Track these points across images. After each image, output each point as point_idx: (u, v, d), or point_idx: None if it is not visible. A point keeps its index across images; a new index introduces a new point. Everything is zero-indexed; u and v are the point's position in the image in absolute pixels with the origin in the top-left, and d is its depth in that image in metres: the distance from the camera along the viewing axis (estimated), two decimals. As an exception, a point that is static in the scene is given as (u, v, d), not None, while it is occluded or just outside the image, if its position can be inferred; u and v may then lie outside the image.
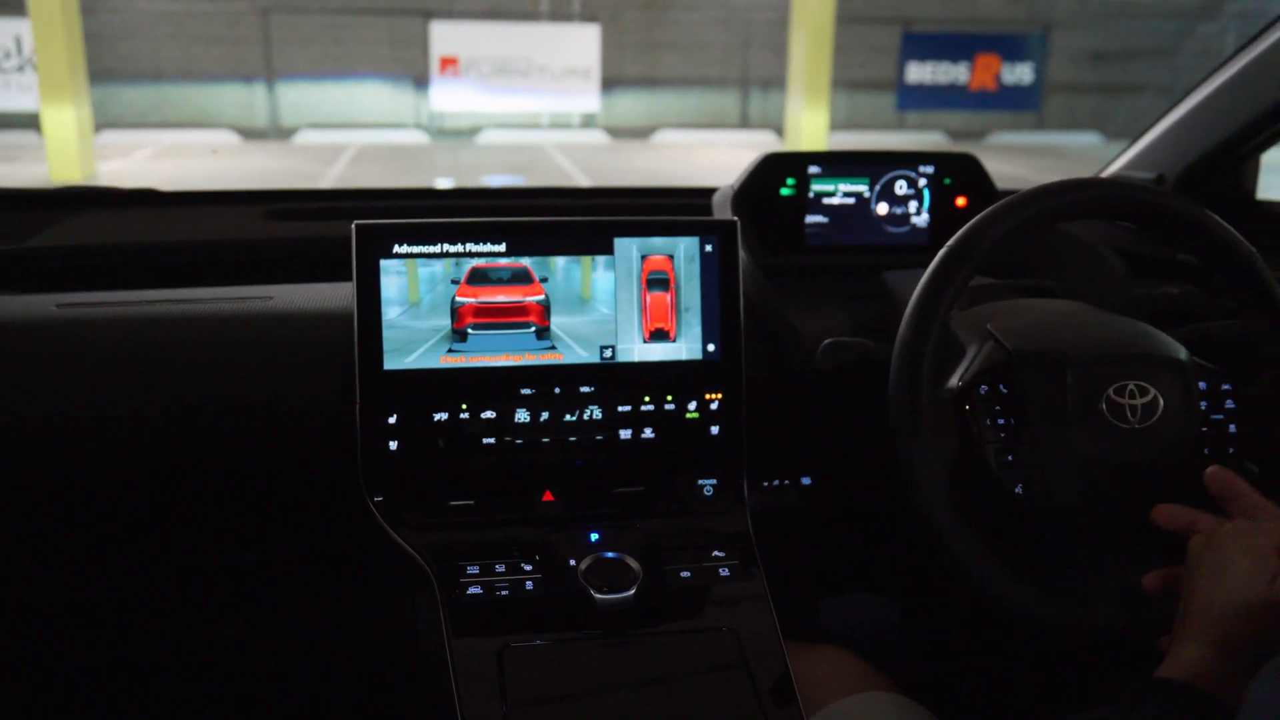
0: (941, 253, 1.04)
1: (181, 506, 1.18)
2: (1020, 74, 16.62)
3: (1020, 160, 13.72)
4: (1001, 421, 1.03)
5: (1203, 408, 1.05)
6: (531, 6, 16.03)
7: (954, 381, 1.06)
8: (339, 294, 1.24)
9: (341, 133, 15.32)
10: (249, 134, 15.47)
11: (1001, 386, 1.04)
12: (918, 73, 16.36)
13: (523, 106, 15.39)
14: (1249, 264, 1.04)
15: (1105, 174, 1.74)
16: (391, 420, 1.09)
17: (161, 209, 1.53)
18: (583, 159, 13.35)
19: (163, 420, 1.13)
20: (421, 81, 15.42)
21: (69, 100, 10.55)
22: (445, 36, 14.75)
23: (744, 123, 17.31)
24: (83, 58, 10.99)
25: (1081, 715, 0.76)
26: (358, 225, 1.09)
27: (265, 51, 15.52)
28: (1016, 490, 1.01)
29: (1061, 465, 1.00)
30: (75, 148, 10.68)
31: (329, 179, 11.36)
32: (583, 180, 11.49)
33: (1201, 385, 1.05)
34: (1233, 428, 1.06)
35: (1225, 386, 1.07)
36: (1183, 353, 1.05)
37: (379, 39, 15.77)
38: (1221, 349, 1.15)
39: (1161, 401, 1.01)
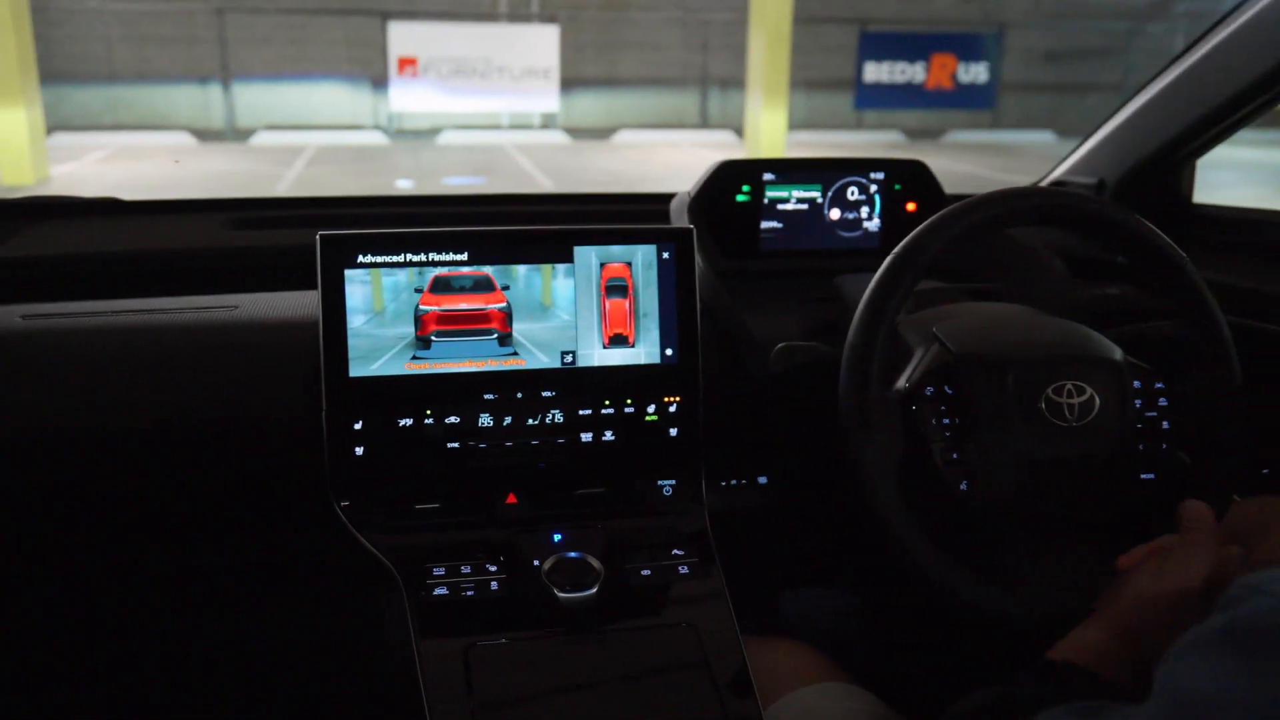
0: (888, 259, 1.08)
1: (149, 513, 1.19)
2: (975, 73, 16.81)
3: (976, 158, 13.89)
4: (946, 421, 1.07)
5: (1137, 405, 1.09)
6: (490, 7, 15.99)
7: (901, 383, 1.10)
8: (304, 302, 1.26)
9: (299, 134, 15.19)
10: (205, 135, 15.29)
11: (946, 387, 1.08)
12: (875, 72, 16.50)
13: (482, 107, 15.34)
14: (1179, 268, 1.09)
15: (1050, 178, 1.80)
16: (357, 426, 1.12)
17: (124, 218, 1.54)
18: (543, 159, 13.33)
19: (130, 429, 1.15)
20: (380, 82, 15.32)
21: (20, 102, 10.38)
22: (403, 37, 14.67)
23: (704, 123, 17.36)
24: (34, 58, 10.82)
25: (970, 696, 0.81)
26: (322, 236, 1.11)
27: (220, 52, 15.35)
28: (961, 486, 1.06)
29: (1003, 462, 1.05)
30: (27, 150, 10.51)
31: (287, 181, 11.26)
32: (544, 180, 11.48)
33: (1136, 384, 1.09)
34: (1166, 424, 1.10)
35: (1158, 384, 1.11)
36: (1118, 353, 1.10)
37: (336, 39, 15.65)
38: (1155, 348, 1.20)
39: (1098, 400, 1.05)
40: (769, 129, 13.31)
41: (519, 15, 16.01)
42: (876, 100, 16.82)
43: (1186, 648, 0.52)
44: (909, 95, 16.77)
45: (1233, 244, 1.56)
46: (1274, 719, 0.45)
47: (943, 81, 16.73)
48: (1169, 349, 1.18)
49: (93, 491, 1.16)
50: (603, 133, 16.52)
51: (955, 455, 1.06)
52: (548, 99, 15.46)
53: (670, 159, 13.91)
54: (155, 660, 1.45)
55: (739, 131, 15.55)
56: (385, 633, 1.24)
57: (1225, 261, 1.48)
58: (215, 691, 1.49)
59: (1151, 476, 1.09)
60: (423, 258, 1.14)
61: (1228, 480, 1.10)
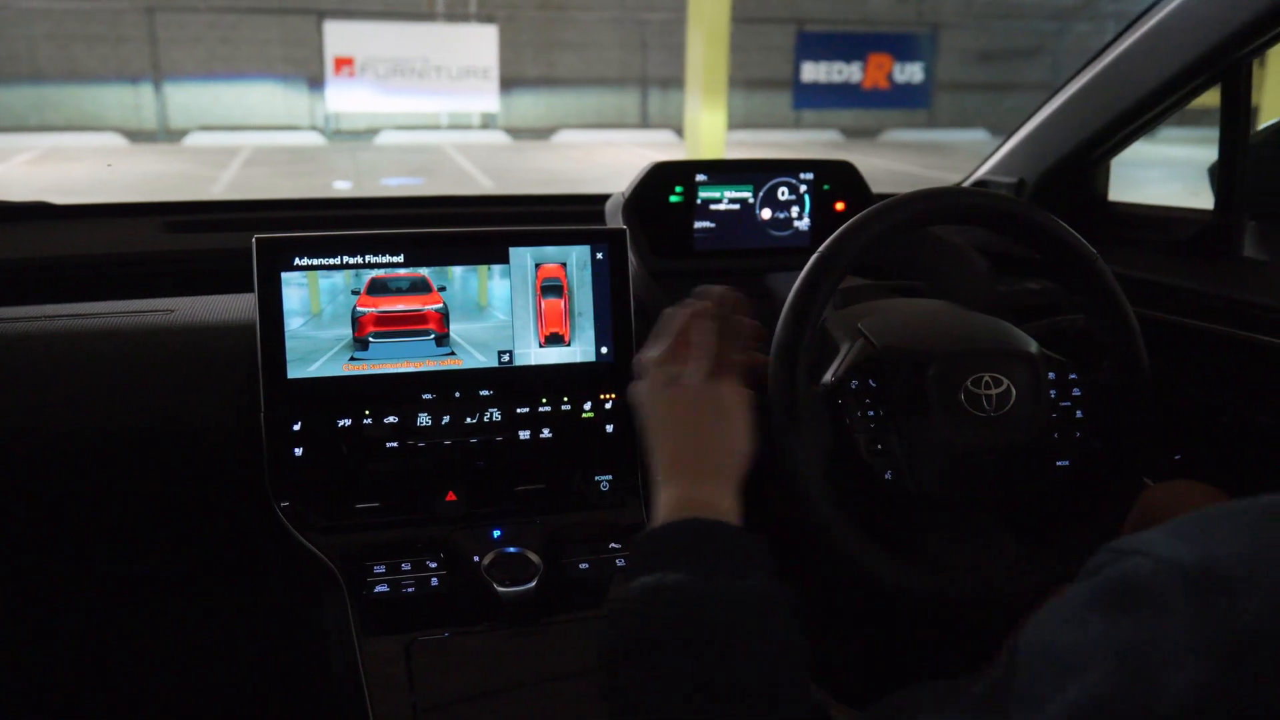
0: (813, 258, 1.11)
1: (85, 521, 1.19)
2: (911, 73, 17.07)
3: (912, 157, 14.10)
4: (871, 413, 1.10)
5: (1052, 395, 1.13)
6: (427, 7, 15.88)
7: (828, 377, 1.13)
8: (241, 305, 1.27)
9: (234, 135, 14.96)
10: (136, 136, 15.00)
11: (871, 381, 1.11)
12: (812, 72, 16.68)
13: (421, 107, 15.23)
14: (1089, 263, 1.14)
15: (973, 178, 1.85)
16: (296, 428, 1.13)
17: (55, 222, 1.52)
18: (483, 160, 13.28)
19: (64, 435, 1.14)
20: (316, 82, 15.14)
21: (-58, 103, 10.11)
22: (339, 36, 14.51)
23: (644, 122, 17.41)
24: (-45, 59, 10.54)
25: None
26: (258, 239, 1.12)
27: (151, 51, 15.06)
28: (886, 476, 1.09)
29: (925, 452, 1.08)
30: (-50, 153, 10.24)
31: (222, 183, 11.09)
32: (484, 181, 11.44)
33: (1051, 375, 1.14)
34: (1080, 412, 1.15)
35: (1072, 376, 1.15)
36: (1033, 346, 1.14)
37: (270, 39, 15.44)
38: (1069, 340, 1.25)
39: (1014, 391, 1.09)
40: (708, 128, 13.38)
41: (456, 15, 15.91)
42: (814, 100, 17.00)
43: (1049, 613, 0.52)
44: (846, 95, 16.97)
45: (1146, 240, 1.62)
46: (1134, 668, 0.45)
47: (879, 81, 16.96)
48: (1082, 341, 1.23)
49: (25, 499, 1.15)
50: (543, 133, 16.50)
51: (880, 446, 1.09)
52: (487, 99, 15.40)
53: (611, 159, 13.92)
54: (94, 668, 1.44)
55: (679, 131, 15.62)
56: (327, 633, 1.24)
57: (1138, 257, 1.54)
58: (156, 697, 1.48)
59: (1066, 463, 1.13)
60: (359, 260, 1.15)
61: (1139, 466, 1.15)
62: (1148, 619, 0.46)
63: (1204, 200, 1.57)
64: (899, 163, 12.77)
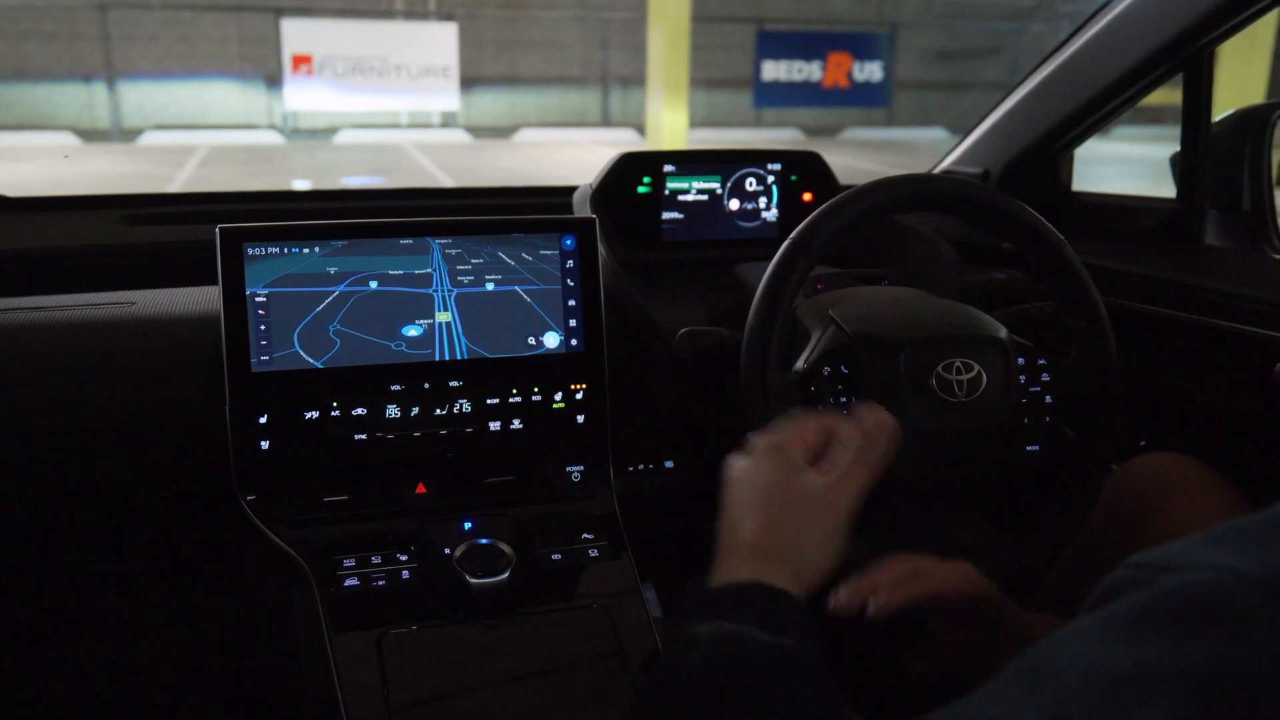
0: (784, 245, 1.11)
1: (47, 516, 1.16)
2: (870, 72, 17.20)
3: (872, 155, 14.19)
4: (843, 399, 1.10)
5: (1021, 380, 1.14)
6: (387, 5, 15.76)
7: (800, 364, 1.13)
8: (203, 297, 1.25)
9: (190, 134, 14.77)
10: (90, 135, 14.76)
11: (843, 367, 1.11)
12: (773, 71, 16.75)
13: (381, 105, 15.13)
14: (1056, 250, 1.15)
15: (937, 170, 1.86)
16: (262, 420, 1.11)
17: (11, 215, 1.49)
18: (444, 159, 13.20)
19: (24, 429, 1.12)
20: (274, 80, 14.99)
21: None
22: (297, 34, 14.38)
23: (605, 121, 17.40)
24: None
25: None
26: (222, 229, 1.10)
27: (104, 49, 14.83)
28: None
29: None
30: (-103, 152, 10.02)
31: (178, 182, 10.94)
32: (445, 180, 11.37)
33: (1020, 360, 1.14)
34: (1049, 398, 1.16)
35: (1041, 361, 1.16)
36: (1003, 332, 1.15)
37: (227, 36, 15.26)
38: (1038, 327, 1.26)
39: (985, 376, 1.10)
40: (670, 127, 13.41)
41: (416, 13, 15.81)
42: (775, 98, 17.08)
43: (1087, 633, 0.45)
44: (807, 93, 17.07)
45: (1110, 229, 1.64)
46: (1230, 689, 0.40)
47: (839, 80, 17.07)
48: (1051, 328, 1.24)
49: None
50: (504, 131, 16.43)
51: None
52: (447, 97, 15.32)
53: (573, 157, 13.90)
54: (57, 668, 1.41)
55: (641, 129, 15.63)
56: (297, 628, 1.22)
57: (1103, 246, 1.56)
58: (122, 697, 1.45)
59: (1036, 448, 1.14)
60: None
61: (1106, 450, 1.16)
62: (1222, 638, 0.41)
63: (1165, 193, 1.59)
64: (859, 160, 12.85)
